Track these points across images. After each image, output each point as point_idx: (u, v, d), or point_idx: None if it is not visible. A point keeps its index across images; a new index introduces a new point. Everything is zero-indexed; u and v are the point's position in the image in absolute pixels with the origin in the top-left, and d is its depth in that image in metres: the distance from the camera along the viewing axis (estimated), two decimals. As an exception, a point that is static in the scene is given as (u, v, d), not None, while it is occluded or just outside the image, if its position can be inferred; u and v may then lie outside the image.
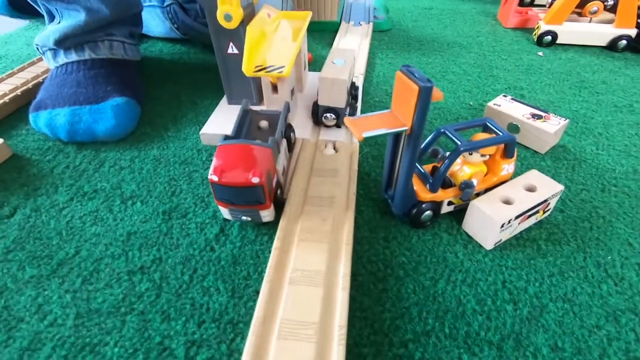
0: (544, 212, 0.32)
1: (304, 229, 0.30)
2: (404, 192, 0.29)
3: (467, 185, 0.30)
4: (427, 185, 0.30)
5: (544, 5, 0.72)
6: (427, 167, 0.33)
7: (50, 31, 0.45)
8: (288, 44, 0.39)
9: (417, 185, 0.30)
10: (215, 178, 0.28)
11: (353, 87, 0.46)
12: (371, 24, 0.69)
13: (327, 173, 0.35)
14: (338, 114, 0.41)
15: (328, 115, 0.41)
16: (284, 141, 0.36)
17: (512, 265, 0.29)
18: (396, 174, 0.30)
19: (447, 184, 0.31)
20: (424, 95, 0.23)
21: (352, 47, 0.60)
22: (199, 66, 0.59)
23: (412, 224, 0.32)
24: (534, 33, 0.65)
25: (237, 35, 0.39)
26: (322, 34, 0.69)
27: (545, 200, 0.30)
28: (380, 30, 0.70)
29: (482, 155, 0.30)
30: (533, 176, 0.32)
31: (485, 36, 0.68)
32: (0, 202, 0.35)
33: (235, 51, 0.41)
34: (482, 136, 0.31)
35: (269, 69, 0.35)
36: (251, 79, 0.43)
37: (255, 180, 0.27)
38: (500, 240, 0.30)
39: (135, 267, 0.29)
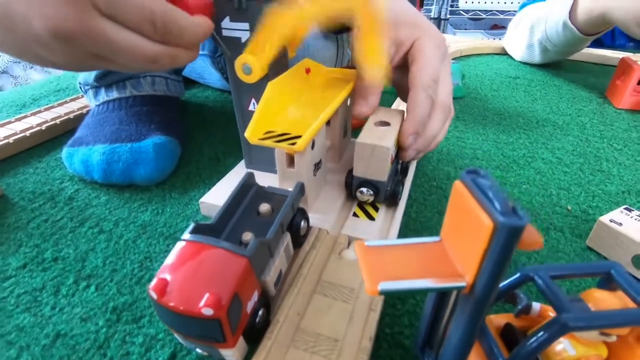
0: None
1: (279, 395, 0.19)
2: (449, 376, 0.17)
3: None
4: (494, 366, 0.18)
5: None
6: (499, 319, 0.20)
7: None
8: (317, 109, 0.30)
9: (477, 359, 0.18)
10: (154, 295, 0.18)
11: None
12: (441, 89, 0.59)
13: (339, 293, 0.24)
14: (377, 189, 0.31)
15: (364, 190, 0.31)
16: (287, 236, 0.26)
17: None
18: (440, 333, 0.18)
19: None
20: (505, 238, 0.12)
21: (413, 114, 0.50)
22: (238, 118, 0.53)
23: None
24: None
25: (262, 92, 0.32)
26: (382, 96, 0.61)
27: None
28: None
29: (604, 334, 0.17)
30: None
31: (588, 116, 0.54)
32: (-48, 256, 0.30)
33: (258, 109, 0.33)
34: (601, 297, 0.18)
35: (280, 138, 0.26)
36: (275, 143, 0.35)
37: (208, 312, 0.18)
38: None
39: (30, 400, 0.20)
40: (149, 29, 0.22)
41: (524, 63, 0.77)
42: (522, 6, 0.84)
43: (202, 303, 0.18)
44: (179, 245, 0.21)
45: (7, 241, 0.31)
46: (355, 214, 0.31)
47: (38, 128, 0.46)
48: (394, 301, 0.26)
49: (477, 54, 0.85)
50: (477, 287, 0.13)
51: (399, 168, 0.35)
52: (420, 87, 0.30)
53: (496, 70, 0.74)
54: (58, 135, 0.48)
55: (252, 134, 0.26)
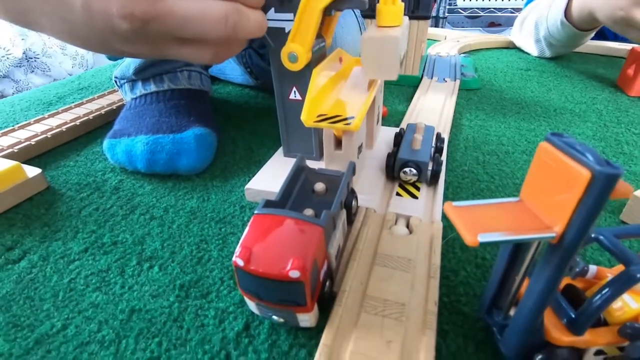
0: None
1: (358, 354, 0.20)
2: (526, 326, 0.18)
3: (635, 332, 0.18)
4: (565, 320, 0.19)
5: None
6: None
7: (130, 61, 0.44)
8: (360, 93, 0.32)
9: (546, 317, 0.19)
10: (240, 262, 0.20)
11: (438, 138, 0.37)
12: (457, 81, 0.61)
13: (397, 263, 0.26)
14: (420, 168, 0.32)
15: (407, 170, 0.32)
16: (344, 212, 0.27)
17: None
18: (513, 291, 0.20)
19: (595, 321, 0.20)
20: (601, 187, 0.13)
21: (435, 104, 0.52)
22: (264, 112, 0.55)
23: (531, 376, 0.20)
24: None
25: (303, 80, 0.33)
26: (400, 88, 0.63)
27: None
28: (468, 88, 0.61)
29: (665, 286, 0.19)
30: None
31: (603, 104, 0.56)
32: (13, 242, 0.31)
33: (298, 97, 0.35)
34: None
35: (334, 120, 0.28)
36: (313, 130, 0.36)
37: (295, 274, 0.19)
38: None
39: (121, 367, 0.21)
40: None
41: (535, 57, 0.79)
42: (528, 2, 0.86)
43: (288, 267, 0.19)
44: (254, 218, 0.22)
45: (64, 228, 0.32)
46: (398, 194, 0.33)
47: (73, 123, 0.47)
48: (446, 273, 0.27)
49: (486, 49, 0.86)
50: (567, 237, 0.15)
51: (434, 149, 0.36)
52: None
53: (507, 63, 0.76)
54: (91, 130, 0.49)
55: (307, 117, 0.28)
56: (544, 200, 0.16)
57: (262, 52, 0.56)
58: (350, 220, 0.29)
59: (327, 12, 0.30)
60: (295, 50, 0.30)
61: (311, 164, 0.37)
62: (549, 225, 0.15)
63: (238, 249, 0.20)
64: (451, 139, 0.46)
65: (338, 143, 0.31)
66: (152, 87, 0.44)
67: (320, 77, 0.31)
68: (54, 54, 1.96)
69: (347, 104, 0.30)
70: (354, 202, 0.29)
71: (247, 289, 0.21)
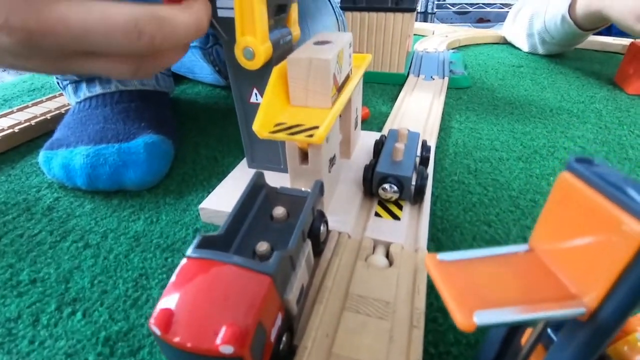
0: None
1: None
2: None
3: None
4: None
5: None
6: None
7: None
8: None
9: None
10: (157, 330, 0.15)
11: (424, 146, 0.32)
12: (446, 78, 0.56)
13: (373, 308, 0.21)
14: (402, 184, 0.28)
15: (387, 186, 0.28)
16: (308, 244, 0.22)
17: None
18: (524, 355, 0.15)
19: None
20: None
21: (422, 105, 0.47)
22: (234, 114, 0.49)
23: None
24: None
25: (263, 80, 0.28)
26: (384, 87, 0.58)
27: None
28: (457, 87, 0.57)
29: None
30: None
31: (602, 103, 0.51)
32: None
33: (260, 100, 0.30)
34: None
35: (294, 130, 0.22)
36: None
37: (227, 349, 0.14)
38: None
39: None
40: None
41: (527, 52, 0.75)
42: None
43: (219, 339, 0.14)
44: (184, 263, 0.17)
45: (-25, 261, 0.27)
46: (377, 214, 0.28)
47: (10, 130, 0.41)
48: (433, 314, 0.22)
49: (476, 44, 0.82)
50: (604, 314, 0.10)
51: (419, 159, 0.31)
52: None
53: (498, 59, 0.71)
54: (34, 138, 0.43)
55: (261, 127, 0.23)
56: (565, 255, 0.11)
57: (231, 48, 0.51)
58: (318, 251, 0.24)
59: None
60: (250, 44, 0.25)
61: (278, 177, 0.32)
62: (576, 294, 0.11)
63: (155, 310, 0.15)
64: (439, 144, 0.41)
65: (304, 156, 0.26)
66: (98, 89, 0.38)
67: (281, 77, 0.26)
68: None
69: (312, 109, 0.25)
70: (322, 228, 0.24)
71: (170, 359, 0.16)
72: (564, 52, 0.73)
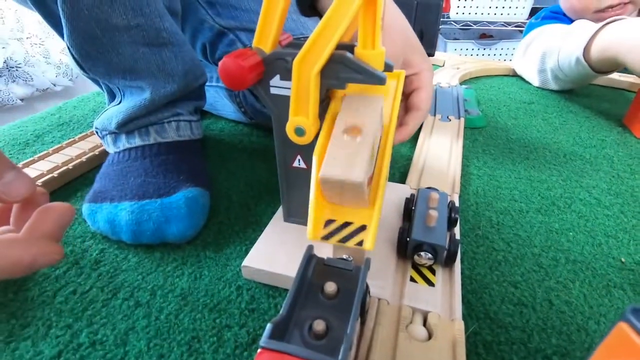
0: None
1: None
2: None
3: None
4: None
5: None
6: None
7: (113, 113, 0.40)
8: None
9: None
10: None
11: (452, 208, 0.34)
12: (462, 119, 0.58)
13: (420, 380, 0.23)
14: (436, 251, 0.29)
15: (422, 254, 0.29)
16: (358, 323, 0.24)
17: None
18: None
19: None
20: None
21: (442, 151, 0.49)
22: (260, 154, 0.51)
23: None
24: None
25: (309, 148, 0.30)
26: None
27: None
28: (473, 127, 0.59)
29: None
30: None
31: (613, 148, 0.54)
32: (-26, 344, 0.27)
33: (303, 166, 0.32)
34: None
35: (343, 235, 0.24)
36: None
37: None
38: None
39: None
40: None
41: (537, 87, 0.77)
42: (530, 26, 0.84)
43: None
44: (259, 354, 0.19)
45: (34, 321, 0.28)
46: (412, 279, 0.30)
47: (50, 175, 0.43)
48: (472, 386, 0.24)
49: (487, 76, 0.85)
50: None
51: (449, 220, 0.33)
52: (425, 111, 0.40)
53: (509, 94, 0.74)
54: (71, 180, 0.45)
55: (314, 232, 0.24)
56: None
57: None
58: (362, 320, 0.26)
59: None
60: (302, 124, 0.27)
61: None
62: None
63: None
64: (461, 193, 0.43)
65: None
66: (137, 141, 0.40)
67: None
68: (36, 62, 1.89)
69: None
70: (368, 299, 0.26)
71: None
72: (573, 89, 0.76)
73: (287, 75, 0.27)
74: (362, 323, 0.26)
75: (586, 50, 0.60)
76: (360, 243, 0.23)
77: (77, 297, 0.30)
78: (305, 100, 0.26)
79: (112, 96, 0.43)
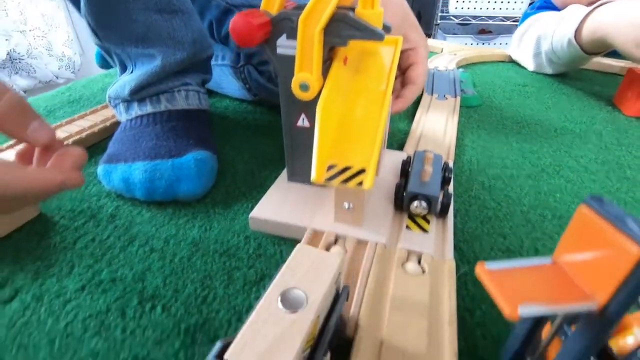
0: None
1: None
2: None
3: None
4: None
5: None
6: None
7: (126, 81, 0.42)
8: (369, 110, 0.30)
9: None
10: None
11: (446, 168, 0.36)
12: (458, 98, 0.60)
13: (413, 307, 0.25)
14: (430, 202, 0.32)
15: (417, 203, 0.32)
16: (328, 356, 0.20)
17: None
18: (539, 351, 0.19)
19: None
20: (651, 267, 0.13)
21: (438, 125, 0.51)
22: (264, 129, 0.54)
23: None
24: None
25: (312, 107, 0.32)
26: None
27: None
28: (468, 106, 0.61)
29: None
30: None
31: (602, 124, 0.56)
32: (4, 280, 0.29)
33: (306, 124, 0.34)
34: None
35: (346, 176, 0.26)
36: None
37: None
38: None
39: None
40: None
41: (532, 71, 0.80)
42: (525, 16, 0.87)
43: None
44: None
45: (58, 263, 0.30)
46: (407, 227, 0.32)
47: (65, 143, 0.45)
48: (461, 313, 0.26)
49: (483, 62, 0.87)
50: (609, 310, 0.14)
51: (444, 178, 0.35)
52: (421, 85, 0.44)
53: (505, 78, 0.76)
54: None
55: (318, 175, 0.26)
56: (582, 267, 0.15)
57: (261, 69, 0.55)
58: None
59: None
60: (307, 80, 0.29)
61: (314, 190, 0.36)
62: (589, 295, 0.15)
63: None
64: (455, 161, 0.45)
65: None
66: (149, 108, 0.42)
67: (327, 113, 0.29)
68: (39, 55, 1.91)
69: (357, 142, 0.29)
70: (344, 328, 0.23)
71: None
72: (567, 72, 0.78)
73: (292, 34, 0.30)
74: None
75: (577, 32, 0.62)
76: (360, 184, 0.25)
77: (96, 244, 0.32)
78: (309, 57, 0.29)
79: (123, 68, 0.45)
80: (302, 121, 0.34)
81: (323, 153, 0.27)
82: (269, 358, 0.15)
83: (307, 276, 0.19)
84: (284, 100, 0.33)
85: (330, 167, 0.27)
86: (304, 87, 0.30)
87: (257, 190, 0.40)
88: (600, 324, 0.15)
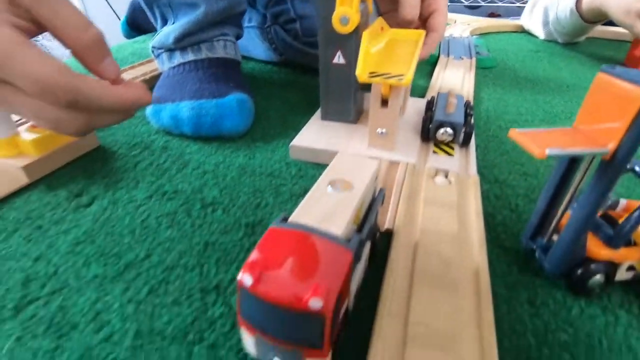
0: None
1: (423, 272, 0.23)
2: (571, 244, 0.21)
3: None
4: (603, 237, 0.22)
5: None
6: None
7: (169, 31, 0.46)
8: (406, 54, 0.34)
9: (587, 240, 0.22)
10: (247, 281, 0.15)
11: (468, 105, 0.40)
12: (474, 58, 0.63)
13: (444, 204, 0.29)
14: (455, 129, 0.35)
15: (443, 130, 0.35)
16: (368, 245, 0.23)
17: None
18: (558, 216, 0.23)
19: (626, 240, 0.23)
20: (654, 103, 0.16)
21: (455, 80, 0.55)
22: (290, 85, 0.57)
23: (572, 289, 0.23)
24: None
25: (348, 43, 0.36)
26: (419, 65, 0.65)
27: None
28: (483, 67, 0.64)
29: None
30: None
31: (612, 81, 0.59)
32: (80, 190, 0.33)
33: (342, 61, 0.37)
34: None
35: (386, 76, 0.30)
36: (353, 94, 0.39)
37: (316, 304, 0.15)
38: None
39: (209, 284, 0.24)
40: (51, 98, 0.22)
41: (543, 40, 0.82)
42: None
43: (308, 294, 0.15)
44: (271, 232, 0.18)
45: (124, 179, 0.34)
46: (434, 152, 0.36)
47: (112, 90, 0.48)
48: (486, 217, 0.30)
49: (496, 32, 0.89)
50: (621, 153, 0.18)
51: (466, 112, 0.39)
52: (442, 33, 0.43)
53: (517, 45, 0.79)
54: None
55: (362, 71, 0.30)
56: (597, 126, 0.19)
57: (287, 27, 0.58)
58: (373, 258, 0.25)
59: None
60: (347, 13, 0.32)
61: (347, 128, 0.40)
62: (603, 143, 0.18)
63: (245, 265, 0.16)
64: (473, 109, 0.48)
65: (384, 101, 0.33)
66: (190, 56, 0.46)
67: (370, 38, 0.33)
68: (51, 36, 1.93)
69: (394, 64, 0.33)
70: (377, 236, 0.25)
71: (250, 317, 0.16)
72: (579, 42, 0.80)
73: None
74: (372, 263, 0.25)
75: (578, 1, 0.67)
76: (400, 80, 0.29)
77: (154, 167, 0.36)
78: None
79: (164, 21, 0.49)
80: (338, 58, 0.37)
81: (367, 59, 0.31)
82: (327, 220, 0.18)
83: (350, 172, 0.22)
84: (322, 39, 0.37)
85: (371, 74, 0.31)
86: (344, 21, 0.33)
87: (291, 130, 0.43)
88: (612, 170, 0.18)
